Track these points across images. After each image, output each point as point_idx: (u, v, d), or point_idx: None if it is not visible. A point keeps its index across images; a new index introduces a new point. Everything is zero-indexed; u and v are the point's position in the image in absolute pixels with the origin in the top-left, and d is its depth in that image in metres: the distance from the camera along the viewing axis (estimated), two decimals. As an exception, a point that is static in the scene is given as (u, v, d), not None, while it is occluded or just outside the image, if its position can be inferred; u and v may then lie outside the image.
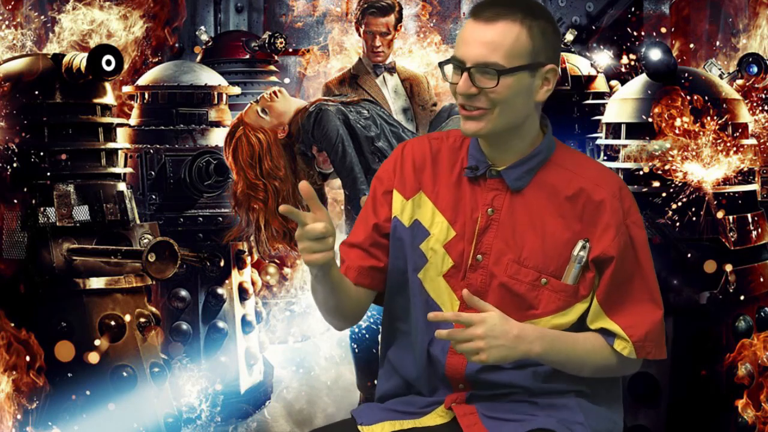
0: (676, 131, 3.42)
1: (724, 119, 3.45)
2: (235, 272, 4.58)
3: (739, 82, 4.26)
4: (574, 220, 2.14)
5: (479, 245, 2.16)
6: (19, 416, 3.18)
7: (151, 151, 4.39)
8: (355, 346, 4.36)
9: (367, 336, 4.33)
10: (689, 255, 3.40)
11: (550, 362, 2.13)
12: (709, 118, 3.43)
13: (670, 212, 3.41)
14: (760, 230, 3.55)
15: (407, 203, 2.21)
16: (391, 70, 4.70)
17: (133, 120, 4.53)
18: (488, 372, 2.16)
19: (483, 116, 2.10)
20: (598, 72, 5.92)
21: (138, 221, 3.57)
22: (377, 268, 2.24)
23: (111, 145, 3.54)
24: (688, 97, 3.43)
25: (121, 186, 3.53)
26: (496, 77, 2.05)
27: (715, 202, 3.43)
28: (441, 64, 2.13)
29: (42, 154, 3.38)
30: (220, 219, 4.45)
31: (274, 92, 3.96)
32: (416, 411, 2.22)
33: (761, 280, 3.53)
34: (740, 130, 3.54)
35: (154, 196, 4.40)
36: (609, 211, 2.13)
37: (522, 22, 2.07)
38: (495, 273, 2.15)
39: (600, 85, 5.86)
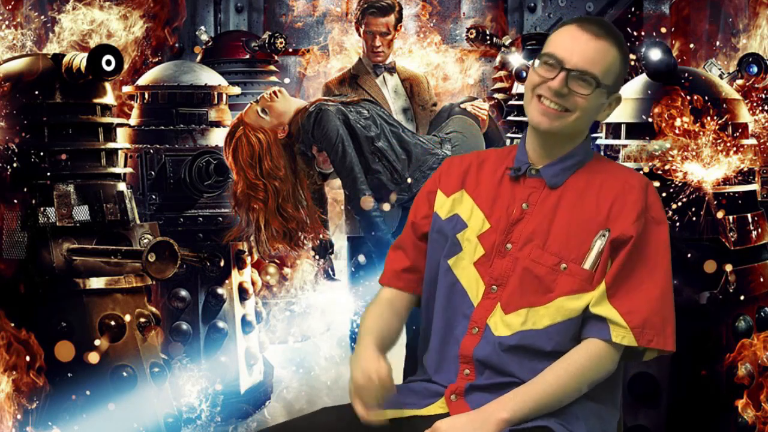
0: (676, 131, 3.42)
1: (724, 119, 3.45)
2: (235, 272, 4.58)
3: (739, 82, 4.26)
4: (602, 213, 2.25)
5: (509, 235, 2.29)
6: (19, 416, 3.18)
7: (151, 151, 4.39)
8: (355, 346, 4.35)
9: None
10: (689, 255, 3.40)
11: (533, 414, 2.17)
12: (709, 118, 3.42)
13: (670, 212, 3.41)
14: (760, 230, 3.55)
15: (447, 200, 2.38)
16: (391, 70, 4.68)
17: (133, 120, 4.53)
18: (494, 356, 2.24)
19: (560, 117, 2.26)
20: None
21: (138, 221, 3.57)
22: (408, 268, 2.42)
23: (111, 145, 3.54)
24: (688, 97, 3.43)
25: (121, 186, 3.53)
26: (593, 87, 2.24)
27: (715, 202, 3.43)
28: (535, 58, 2.28)
29: (42, 154, 3.38)
30: (220, 219, 4.45)
31: (274, 92, 3.96)
32: (416, 402, 2.30)
33: (761, 280, 3.53)
34: (740, 130, 3.53)
35: (154, 196, 4.39)
36: (634, 199, 2.25)
37: (618, 49, 2.26)
38: (519, 258, 2.27)
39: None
